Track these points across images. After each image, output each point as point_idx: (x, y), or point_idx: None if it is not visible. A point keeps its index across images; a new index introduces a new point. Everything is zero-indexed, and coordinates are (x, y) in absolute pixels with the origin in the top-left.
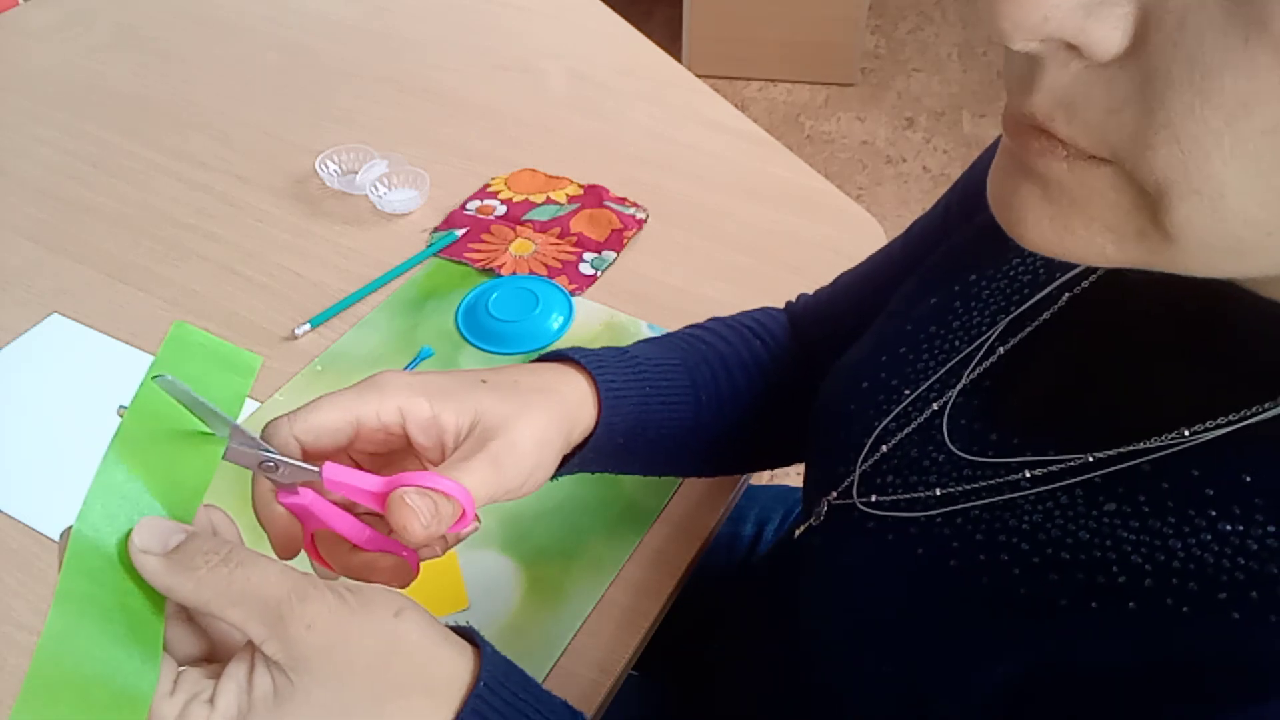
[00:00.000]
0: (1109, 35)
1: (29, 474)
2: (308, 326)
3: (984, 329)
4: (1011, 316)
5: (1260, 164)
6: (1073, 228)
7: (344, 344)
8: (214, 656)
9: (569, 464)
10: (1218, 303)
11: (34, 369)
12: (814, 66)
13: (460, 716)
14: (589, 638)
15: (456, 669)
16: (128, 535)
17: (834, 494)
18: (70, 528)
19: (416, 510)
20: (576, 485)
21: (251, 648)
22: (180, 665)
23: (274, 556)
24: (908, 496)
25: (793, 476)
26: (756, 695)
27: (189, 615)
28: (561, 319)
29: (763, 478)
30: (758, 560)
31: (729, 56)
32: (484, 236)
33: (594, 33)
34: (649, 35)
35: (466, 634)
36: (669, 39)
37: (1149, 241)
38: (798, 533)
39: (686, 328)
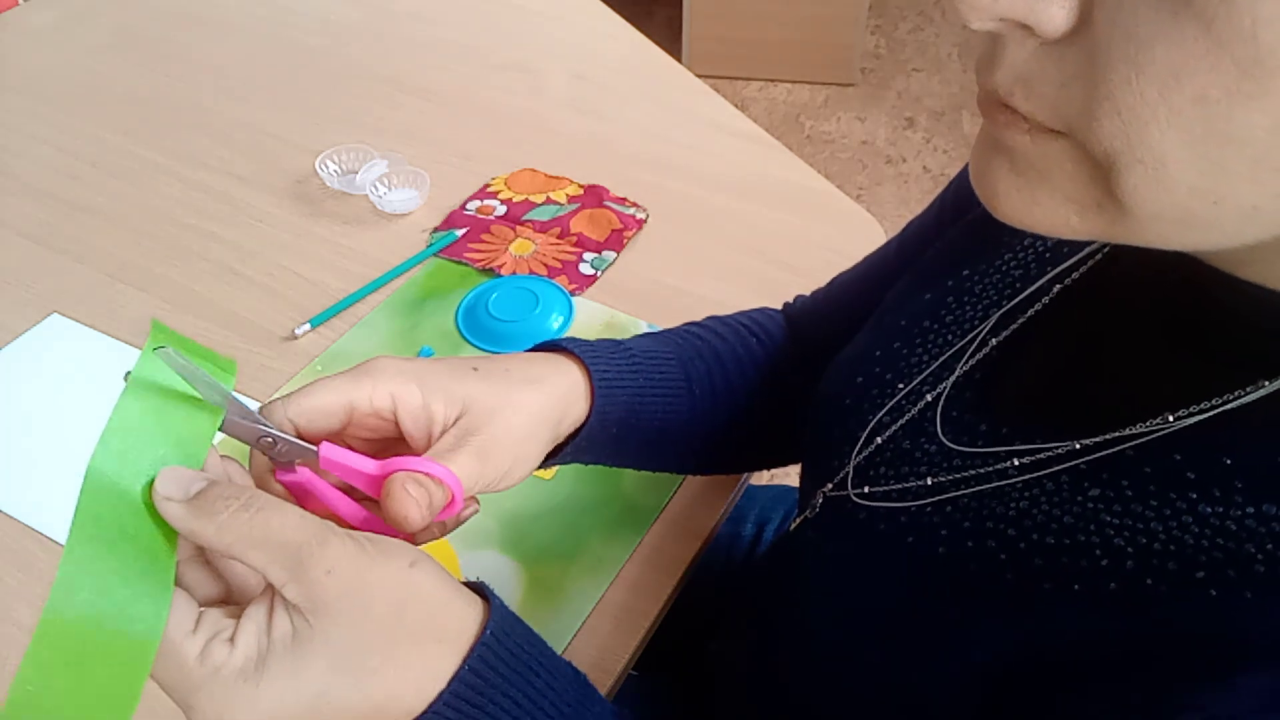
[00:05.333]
0: (1056, 14)
1: (29, 474)
2: (308, 326)
3: (976, 323)
4: (1004, 310)
5: (1194, 133)
6: (1039, 199)
7: (344, 344)
8: (230, 599)
9: (563, 453)
10: (1200, 288)
11: (34, 369)
12: (814, 66)
13: (468, 663)
14: (589, 638)
15: (466, 619)
16: (143, 480)
17: (829, 486)
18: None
19: (416, 500)
20: (576, 485)
21: (271, 591)
22: (200, 607)
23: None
24: (899, 487)
25: (793, 477)
26: (754, 692)
27: (207, 559)
28: (561, 319)
29: (763, 478)
30: (758, 560)
31: (729, 56)
32: (484, 236)
33: (594, 33)
34: (649, 35)
35: (477, 588)
36: (669, 39)
37: (1107, 213)
38: (793, 526)
39: (683, 325)
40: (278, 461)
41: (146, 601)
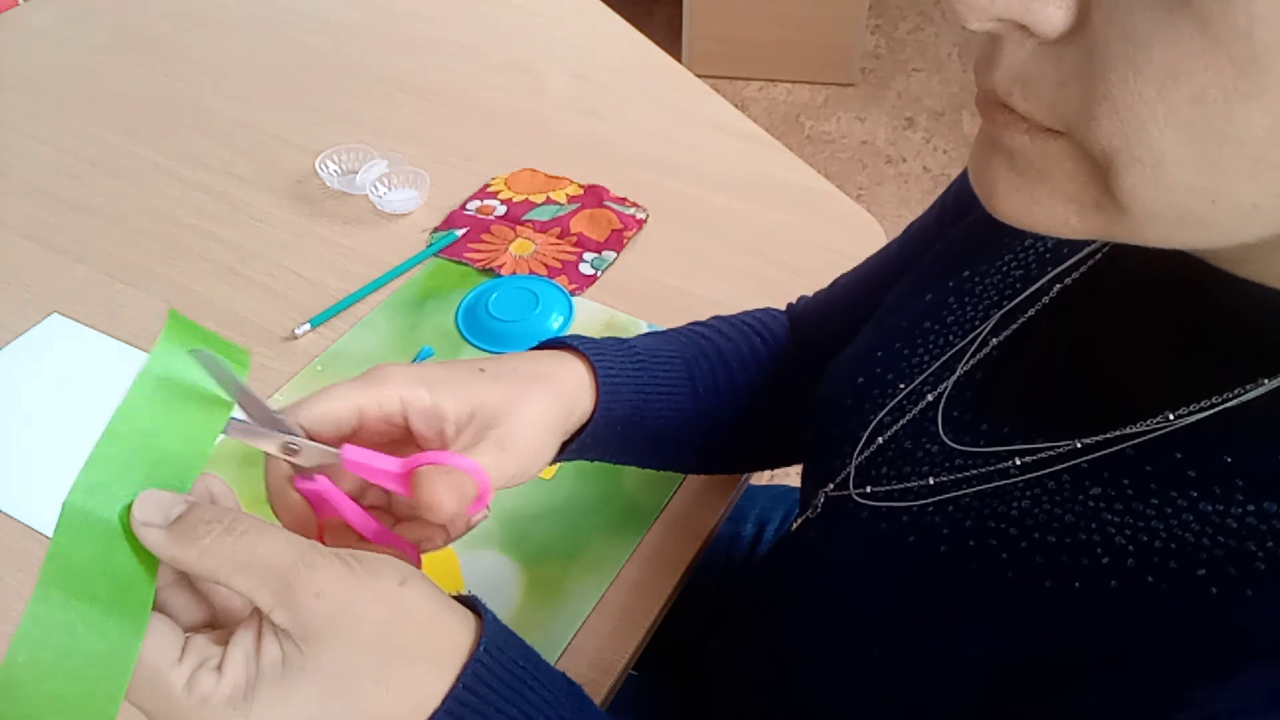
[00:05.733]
0: (1053, 14)
1: (29, 474)
2: (308, 326)
3: (977, 323)
4: (1004, 310)
5: (1192, 132)
6: (1038, 198)
7: (344, 344)
8: (216, 622)
9: (568, 450)
10: (1200, 287)
11: (34, 369)
12: (814, 66)
13: (461, 681)
14: (589, 638)
15: (460, 636)
16: (123, 505)
17: (830, 486)
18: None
19: (449, 486)
20: (576, 485)
21: (258, 615)
22: (185, 632)
23: (278, 524)
24: (901, 487)
25: (793, 477)
26: (754, 692)
27: (190, 583)
28: (561, 319)
29: (763, 478)
30: (758, 560)
31: (729, 56)
32: (484, 236)
33: (594, 33)
34: (649, 35)
35: (469, 602)
36: (669, 39)
37: (1106, 212)
38: (794, 526)
39: (687, 324)
40: (299, 469)
41: (122, 621)
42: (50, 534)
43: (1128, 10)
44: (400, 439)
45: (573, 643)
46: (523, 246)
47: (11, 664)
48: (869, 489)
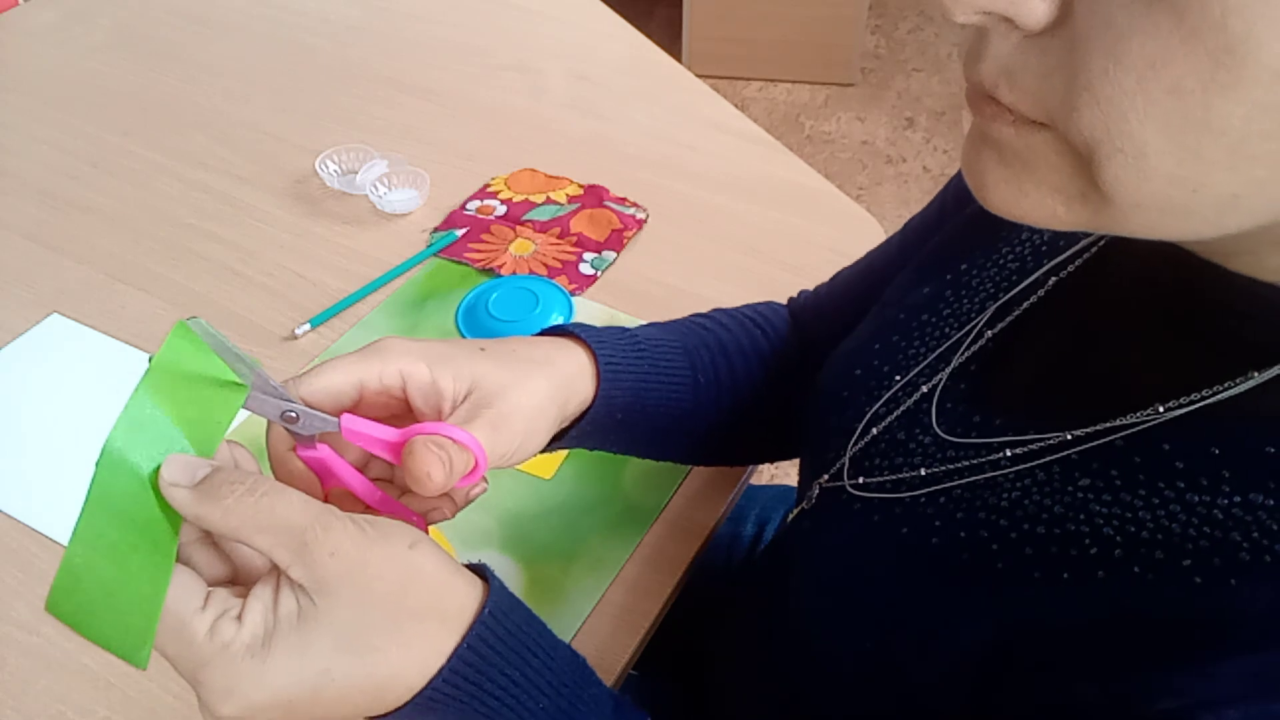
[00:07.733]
0: (1037, 7)
1: (29, 474)
2: (308, 326)
3: (973, 316)
4: (1000, 303)
5: (1172, 122)
6: (1025, 190)
7: (344, 344)
8: (237, 580)
9: (568, 437)
10: (1191, 281)
11: (34, 369)
12: (814, 66)
13: (466, 640)
14: (589, 638)
15: (467, 598)
16: (153, 464)
17: (825, 477)
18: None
19: (437, 458)
20: (576, 485)
21: (276, 571)
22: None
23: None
24: (894, 478)
25: (793, 477)
26: (753, 685)
27: (213, 541)
28: (561, 319)
29: (763, 478)
30: (758, 558)
31: (729, 56)
32: (484, 236)
33: (594, 33)
34: (649, 35)
35: (477, 569)
36: (669, 39)
37: (1092, 203)
38: (790, 517)
39: (689, 316)
40: (299, 437)
41: (148, 580)
42: (50, 534)
43: (1107, 3)
44: (400, 413)
45: (573, 643)
46: (523, 246)
47: (71, 557)
48: (862, 480)
